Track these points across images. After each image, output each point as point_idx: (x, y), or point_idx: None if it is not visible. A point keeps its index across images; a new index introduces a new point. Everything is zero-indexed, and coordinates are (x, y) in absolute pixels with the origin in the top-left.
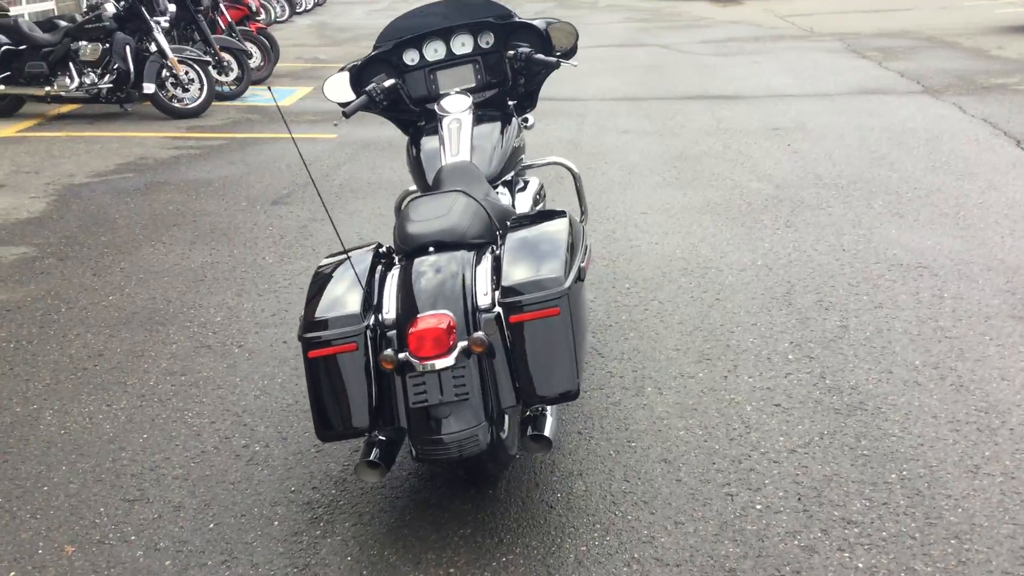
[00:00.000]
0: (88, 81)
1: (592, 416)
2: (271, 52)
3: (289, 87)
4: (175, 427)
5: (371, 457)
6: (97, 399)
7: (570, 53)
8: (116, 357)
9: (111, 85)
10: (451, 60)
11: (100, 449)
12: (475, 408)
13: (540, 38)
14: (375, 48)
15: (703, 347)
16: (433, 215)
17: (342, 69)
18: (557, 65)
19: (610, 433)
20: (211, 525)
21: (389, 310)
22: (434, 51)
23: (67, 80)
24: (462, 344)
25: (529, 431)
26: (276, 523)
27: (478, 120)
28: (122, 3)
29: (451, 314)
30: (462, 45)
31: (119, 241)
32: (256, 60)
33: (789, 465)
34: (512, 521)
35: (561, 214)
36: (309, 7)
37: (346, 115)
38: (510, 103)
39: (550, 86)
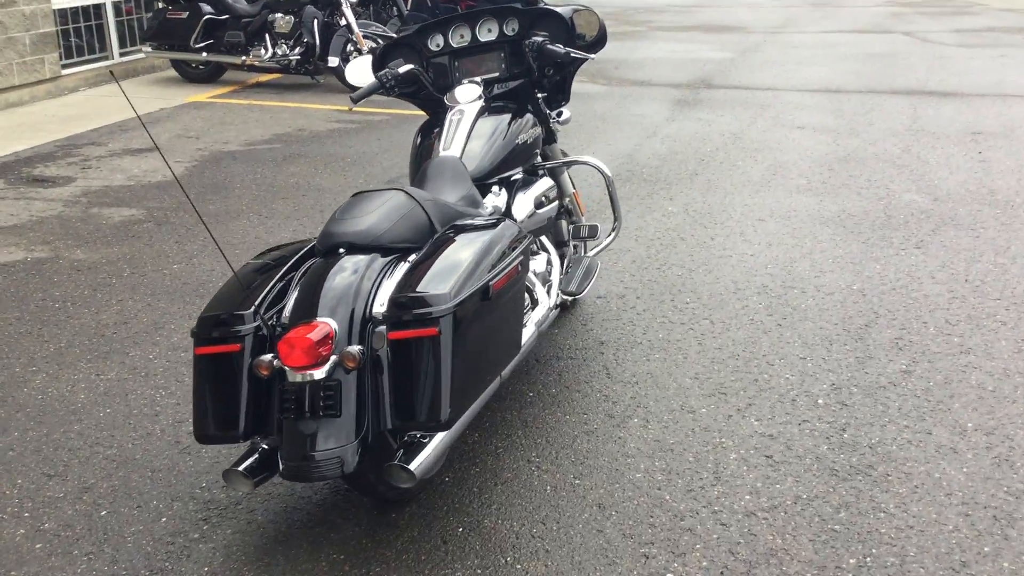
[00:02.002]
0: (280, 52)
1: (553, 443)
2: None
3: None
4: (140, 405)
5: (243, 466)
6: (91, 368)
7: (597, 43)
8: (138, 327)
9: (299, 57)
10: (476, 47)
11: (59, 420)
12: (345, 427)
13: (564, 26)
14: (400, 29)
15: (726, 379)
16: (354, 215)
17: (369, 51)
18: (567, 58)
19: (560, 466)
20: (103, 512)
21: (288, 312)
22: (460, 37)
23: (262, 50)
24: (336, 357)
25: (396, 458)
26: (164, 520)
27: (485, 112)
28: None
29: (332, 323)
30: (488, 32)
31: (223, 210)
32: None
33: (736, 531)
34: (393, 553)
35: (493, 225)
36: None
37: (353, 100)
38: (539, 95)
39: (745, 74)
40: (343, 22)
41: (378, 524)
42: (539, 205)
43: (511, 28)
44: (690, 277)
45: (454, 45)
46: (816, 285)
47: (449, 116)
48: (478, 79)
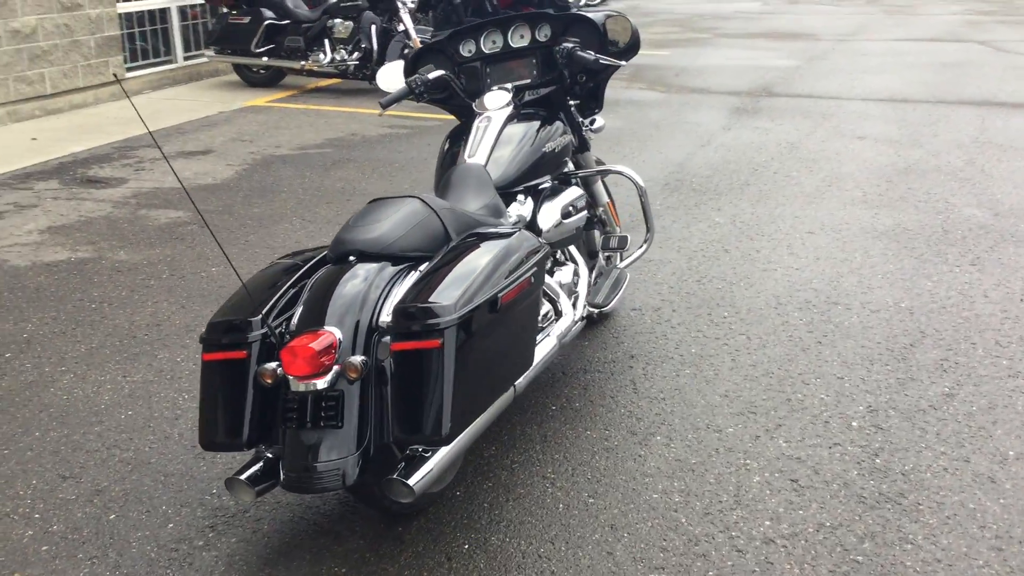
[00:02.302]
0: (338, 57)
1: (571, 459)
2: None
3: None
4: (162, 408)
5: (245, 475)
6: (119, 369)
7: (630, 50)
8: (170, 329)
9: (357, 62)
10: (508, 53)
11: (81, 420)
12: (347, 438)
13: (597, 33)
14: (433, 34)
15: (757, 398)
16: (367, 222)
17: (400, 57)
18: (597, 64)
19: (575, 483)
20: (112, 516)
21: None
22: (492, 43)
23: (321, 55)
24: (338, 367)
25: (397, 472)
26: (171, 525)
27: (514, 120)
28: None
29: (336, 332)
30: (520, 37)
31: (266, 213)
32: None
33: (752, 558)
34: (395, 569)
35: (508, 236)
36: None
37: (383, 105)
38: (571, 102)
39: (808, 82)
40: (401, 28)
41: (383, 537)
42: (566, 215)
43: (543, 34)
44: (730, 291)
45: (486, 51)
46: (862, 302)
47: (476, 123)
48: (508, 85)
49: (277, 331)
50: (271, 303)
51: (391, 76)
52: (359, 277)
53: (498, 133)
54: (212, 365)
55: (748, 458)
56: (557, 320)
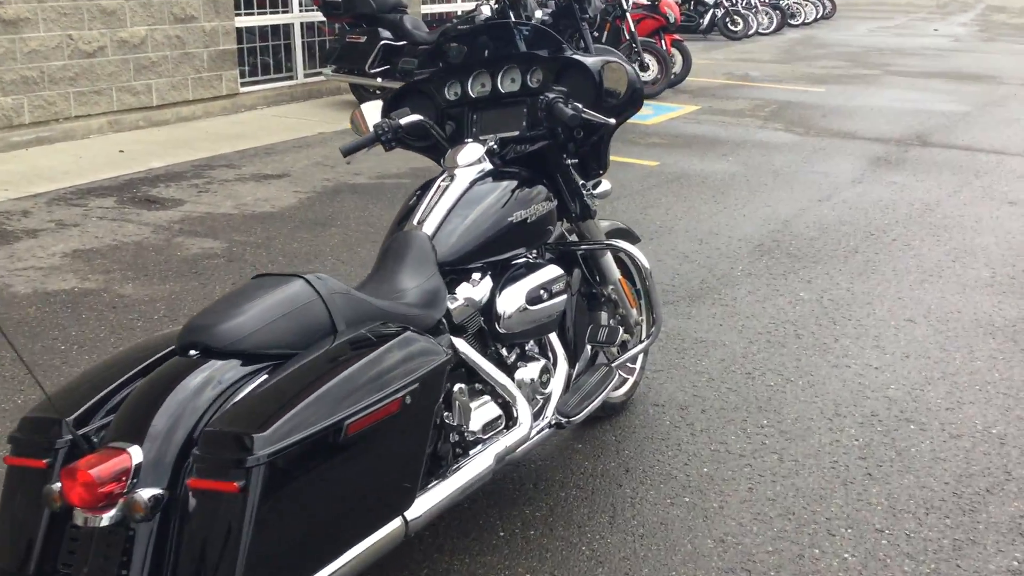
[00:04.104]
0: None
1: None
2: (667, 65)
3: (674, 104)
4: None
5: None
6: None
7: (629, 104)
8: None
9: None
10: (497, 98)
11: None
12: None
13: (592, 82)
14: (417, 72)
15: (759, 550)
16: (224, 307)
17: (381, 97)
18: (575, 121)
19: None
20: None
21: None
22: (480, 86)
23: None
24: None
25: None
26: None
27: (484, 179)
28: (496, 6)
29: (137, 454)
30: (511, 82)
31: (303, 251)
32: (651, 73)
33: None
34: None
35: (387, 339)
36: (809, 20)
37: (344, 153)
38: (567, 160)
39: (973, 132)
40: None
41: None
42: (535, 299)
43: (535, 79)
44: (782, 390)
45: (472, 95)
46: (943, 421)
47: (438, 182)
48: (491, 137)
49: (89, 439)
50: (95, 400)
51: (369, 116)
52: (195, 379)
53: (458, 196)
54: (13, 471)
55: None
56: (507, 430)
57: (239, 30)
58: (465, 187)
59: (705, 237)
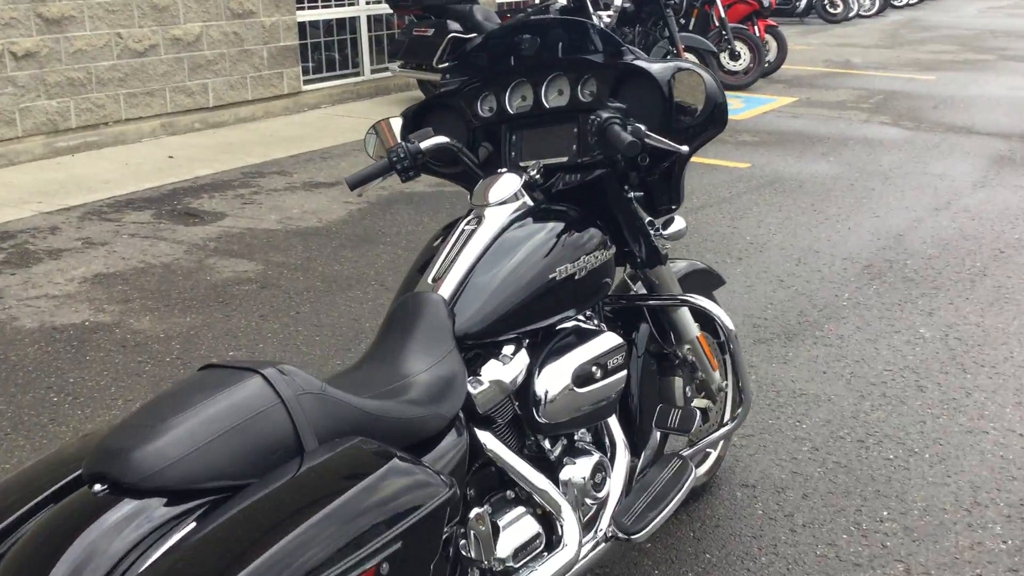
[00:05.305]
0: None
1: None
2: (761, 53)
3: (768, 96)
4: None
5: None
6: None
7: (709, 124)
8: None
9: None
10: (542, 115)
11: None
12: None
13: (659, 95)
14: (441, 83)
15: None
16: (151, 419)
17: (403, 113)
18: (633, 149)
19: None
20: None
21: None
22: (521, 99)
23: None
24: None
25: None
26: None
27: (525, 220)
28: None
29: None
30: (559, 94)
31: (345, 274)
32: (743, 62)
33: None
34: None
35: (366, 467)
36: (914, 1)
37: (350, 185)
38: (630, 193)
39: None
40: (667, 34)
41: None
42: (585, 380)
43: (587, 92)
44: (905, 466)
45: (511, 111)
46: None
47: (461, 225)
48: (534, 164)
49: None
50: None
51: (398, 133)
52: (110, 518)
53: (486, 245)
54: None
55: None
56: (548, 552)
57: (301, 25)
58: (495, 233)
59: (803, 256)
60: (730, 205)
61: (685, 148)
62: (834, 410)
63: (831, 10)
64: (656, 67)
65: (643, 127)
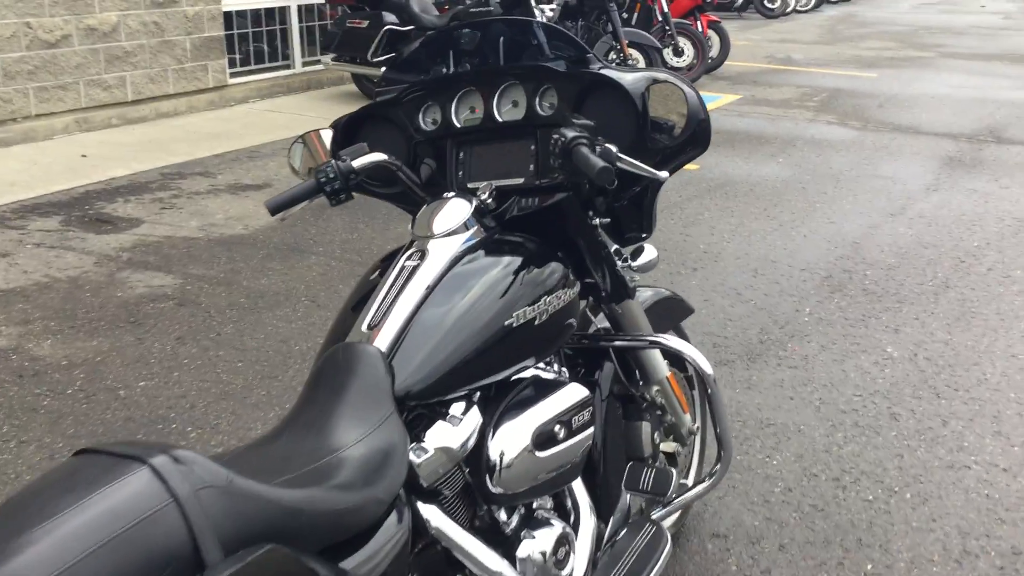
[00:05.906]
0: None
1: None
2: (704, 49)
3: (713, 93)
4: None
5: None
6: None
7: (689, 144)
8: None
9: None
10: (494, 129)
11: None
12: None
13: (631, 109)
14: (377, 91)
15: None
16: (6, 529)
17: (333, 124)
18: (607, 177)
19: None
20: None
21: None
22: (469, 110)
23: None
24: None
25: None
26: None
27: (473, 255)
28: None
29: None
30: (512, 106)
31: (272, 289)
32: (686, 58)
33: None
34: None
35: None
36: None
37: (271, 210)
38: (595, 220)
39: None
40: (610, 28)
41: None
42: (546, 440)
43: (547, 104)
44: (886, 510)
45: (459, 124)
46: None
47: (402, 260)
48: (485, 186)
49: None
50: None
51: (314, 152)
52: None
53: (430, 285)
54: None
55: None
56: None
57: (227, 14)
58: (441, 270)
59: (760, 266)
60: (680, 211)
61: (665, 174)
62: (805, 443)
63: (769, 5)
64: (628, 77)
65: (614, 148)
